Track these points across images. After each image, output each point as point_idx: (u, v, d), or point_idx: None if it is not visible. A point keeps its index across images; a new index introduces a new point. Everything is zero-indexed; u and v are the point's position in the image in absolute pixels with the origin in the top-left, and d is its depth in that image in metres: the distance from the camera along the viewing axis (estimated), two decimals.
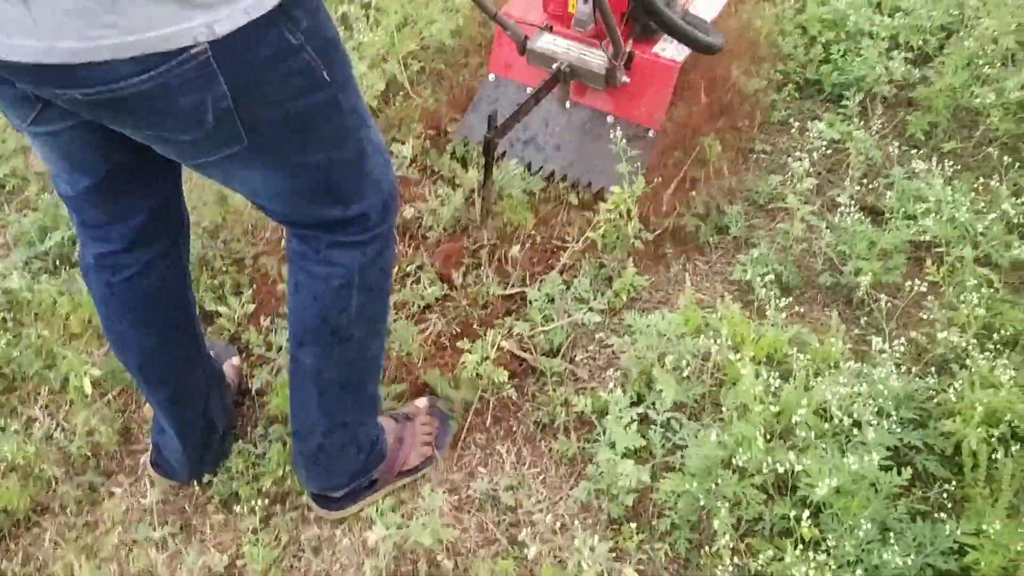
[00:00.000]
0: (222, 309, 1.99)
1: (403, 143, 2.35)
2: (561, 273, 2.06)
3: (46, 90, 1.07)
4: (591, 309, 1.95)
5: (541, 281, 2.04)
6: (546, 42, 2.14)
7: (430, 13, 2.65)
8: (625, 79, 2.07)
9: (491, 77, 2.36)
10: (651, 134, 2.18)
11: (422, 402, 1.84)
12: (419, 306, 2.03)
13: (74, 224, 1.44)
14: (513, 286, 2.06)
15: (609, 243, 2.10)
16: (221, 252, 2.13)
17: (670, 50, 2.15)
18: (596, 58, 2.05)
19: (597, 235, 2.05)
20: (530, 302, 1.99)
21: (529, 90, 2.19)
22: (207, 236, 2.15)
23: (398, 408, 1.82)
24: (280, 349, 1.92)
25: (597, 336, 1.97)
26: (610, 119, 2.20)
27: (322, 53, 1.15)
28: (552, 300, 1.99)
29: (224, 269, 2.10)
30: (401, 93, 2.51)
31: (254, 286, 2.08)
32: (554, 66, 2.11)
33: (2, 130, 2.43)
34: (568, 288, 2.01)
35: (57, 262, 2.16)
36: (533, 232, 2.17)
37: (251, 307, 2.01)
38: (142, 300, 1.47)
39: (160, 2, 0.97)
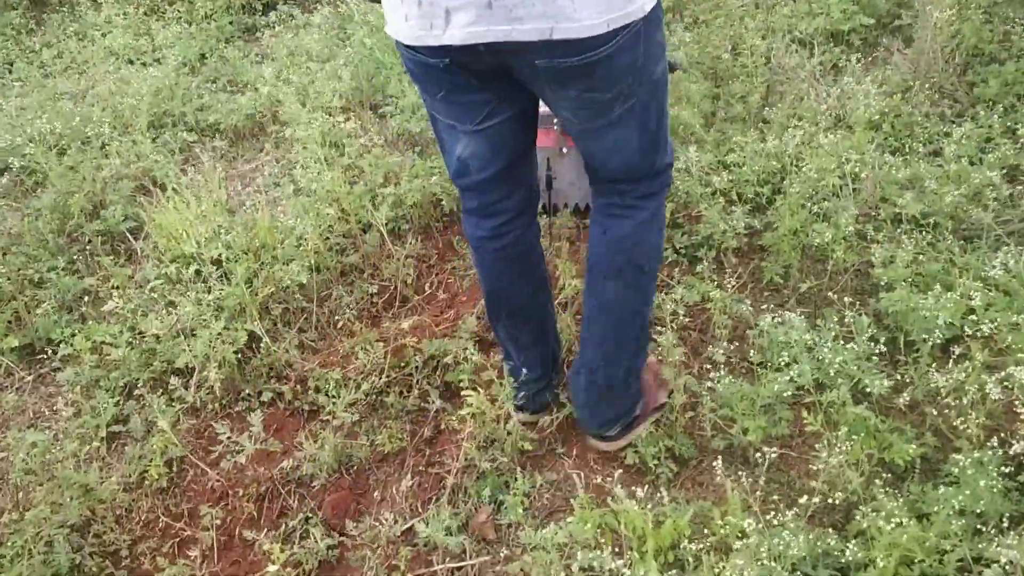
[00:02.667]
0: None
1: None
2: (453, 494, 1.99)
3: (544, 61, 1.46)
4: None
5: (437, 505, 1.96)
6: None
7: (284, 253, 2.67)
8: None
9: None
10: None
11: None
12: (314, 564, 1.91)
13: (468, 206, 1.85)
14: (403, 521, 1.97)
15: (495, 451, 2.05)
16: (93, 550, 1.98)
17: None
18: None
19: (475, 452, 2.00)
20: (419, 532, 1.89)
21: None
22: (76, 535, 2.00)
23: None
24: None
25: (501, 556, 1.88)
26: None
27: (662, 30, 1.58)
28: (450, 532, 1.90)
29: (98, 570, 1.94)
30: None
31: None
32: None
33: None
34: (459, 513, 1.94)
35: None
36: (416, 456, 2.11)
37: None
38: (521, 258, 1.90)
39: None
